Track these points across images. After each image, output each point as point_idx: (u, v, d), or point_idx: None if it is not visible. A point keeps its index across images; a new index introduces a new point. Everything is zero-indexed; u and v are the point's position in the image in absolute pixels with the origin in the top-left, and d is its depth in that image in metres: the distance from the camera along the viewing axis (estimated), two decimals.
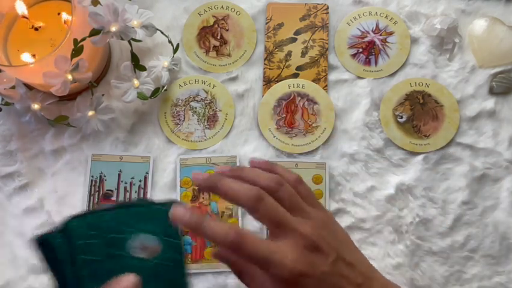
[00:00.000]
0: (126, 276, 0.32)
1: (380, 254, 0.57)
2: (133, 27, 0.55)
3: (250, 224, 0.58)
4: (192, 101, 0.62)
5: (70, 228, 0.34)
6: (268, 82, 0.62)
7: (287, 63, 0.62)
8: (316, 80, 0.62)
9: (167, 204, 0.36)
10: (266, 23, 0.64)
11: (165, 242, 0.36)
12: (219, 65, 0.63)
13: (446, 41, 0.62)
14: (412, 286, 0.57)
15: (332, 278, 0.37)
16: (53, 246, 0.33)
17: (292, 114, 0.61)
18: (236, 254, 0.36)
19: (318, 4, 0.64)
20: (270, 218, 0.37)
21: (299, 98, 0.61)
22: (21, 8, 0.55)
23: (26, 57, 0.55)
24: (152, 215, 0.36)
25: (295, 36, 0.63)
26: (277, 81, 0.62)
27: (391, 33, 0.63)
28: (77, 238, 0.34)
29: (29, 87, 0.59)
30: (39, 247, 0.34)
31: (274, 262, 0.36)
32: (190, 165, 0.59)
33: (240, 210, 0.59)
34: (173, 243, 0.36)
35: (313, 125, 0.61)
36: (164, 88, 0.60)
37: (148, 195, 0.59)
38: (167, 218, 0.35)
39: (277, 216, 0.37)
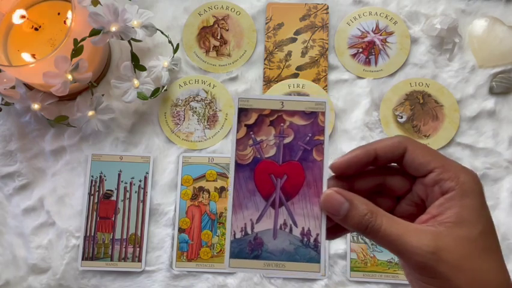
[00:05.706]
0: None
1: None
2: (133, 27, 0.55)
3: None
4: (192, 101, 0.62)
5: None
6: (268, 82, 0.62)
7: (287, 63, 0.62)
8: (316, 80, 0.62)
9: None
10: (266, 23, 0.63)
11: None
12: (219, 65, 0.63)
13: (446, 41, 0.62)
14: None
15: None
16: None
17: None
18: None
19: (318, 4, 0.64)
20: None
21: None
22: (17, 17, 0.55)
23: (26, 57, 0.55)
24: None
25: (295, 36, 0.63)
26: (277, 81, 0.62)
27: (391, 33, 0.63)
28: None
29: (29, 87, 0.59)
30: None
31: None
32: (192, 163, 0.59)
33: None
34: None
35: None
36: (164, 88, 0.60)
37: (148, 195, 0.59)
38: None
39: None
